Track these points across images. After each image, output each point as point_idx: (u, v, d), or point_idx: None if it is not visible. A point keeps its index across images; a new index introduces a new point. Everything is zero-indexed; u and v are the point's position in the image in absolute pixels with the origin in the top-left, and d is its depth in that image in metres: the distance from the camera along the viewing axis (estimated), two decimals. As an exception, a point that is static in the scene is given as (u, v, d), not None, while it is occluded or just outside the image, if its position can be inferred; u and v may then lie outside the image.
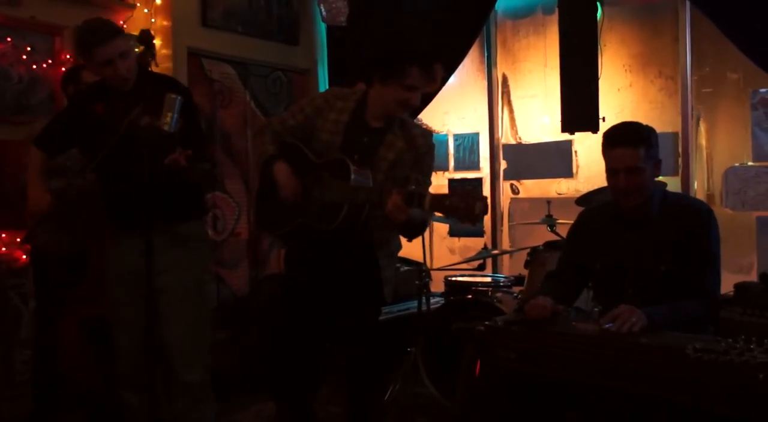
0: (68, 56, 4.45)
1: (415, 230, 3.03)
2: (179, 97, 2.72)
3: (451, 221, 5.90)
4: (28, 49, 4.31)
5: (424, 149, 3.13)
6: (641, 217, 2.90)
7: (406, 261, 5.20)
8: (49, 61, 4.40)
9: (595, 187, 4.51)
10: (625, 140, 2.82)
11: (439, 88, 5.42)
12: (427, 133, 3.23)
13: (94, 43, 2.98)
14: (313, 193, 3.05)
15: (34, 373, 3.92)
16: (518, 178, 5.93)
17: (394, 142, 3.08)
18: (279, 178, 3.12)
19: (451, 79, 5.72)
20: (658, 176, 2.92)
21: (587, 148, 5.45)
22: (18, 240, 4.13)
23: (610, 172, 2.86)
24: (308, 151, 3.12)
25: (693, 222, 2.85)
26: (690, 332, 2.54)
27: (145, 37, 3.66)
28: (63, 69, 4.41)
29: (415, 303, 4.70)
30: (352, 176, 2.90)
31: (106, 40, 2.99)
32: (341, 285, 3.15)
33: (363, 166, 2.97)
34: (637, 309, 2.54)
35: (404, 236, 3.15)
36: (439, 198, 2.59)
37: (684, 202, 3.06)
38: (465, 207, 2.51)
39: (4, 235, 4.15)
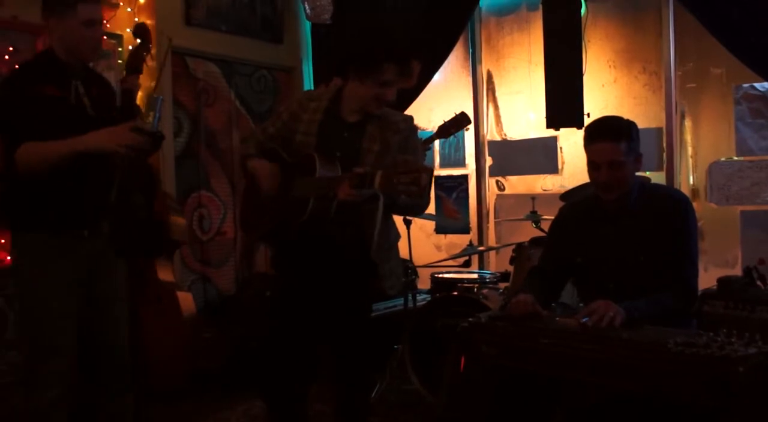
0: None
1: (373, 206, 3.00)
2: (161, 97, 2.72)
3: (435, 217, 5.94)
4: (11, 49, 4.28)
5: (408, 132, 3.14)
6: (621, 210, 2.91)
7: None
8: (32, 61, 4.37)
9: (581, 183, 4.52)
10: (606, 134, 2.83)
11: (423, 85, 5.47)
12: (408, 117, 3.22)
13: None
14: (288, 192, 3.05)
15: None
16: (504, 175, 5.94)
17: (376, 132, 3.08)
18: (257, 171, 3.15)
19: (436, 76, 5.74)
20: (638, 170, 2.93)
21: (572, 144, 5.46)
22: (2, 241, 4.11)
23: (592, 165, 2.87)
24: (284, 154, 3.13)
25: (670, 211, 2.86)
26: (673, 326, 2.55)
27: (142, 31, 3.47)
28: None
29: (401, 301, 4.71)
30: (318, 170, 2.91)
31: None
32: (331, 283, 3.14)
33: (331, 160, 2.97)
34: (613, 303, 2.54)
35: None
36: (387, 177, 2.60)
37: (662, 192, 3.08)
38: (411, 181, 2.52)
39: (-13, 237, 4.12)
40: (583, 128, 2.99)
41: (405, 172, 2.55)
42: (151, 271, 4.45)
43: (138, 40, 3.30)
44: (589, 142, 2.88)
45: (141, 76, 3.33)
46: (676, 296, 2.76)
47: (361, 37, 3.31)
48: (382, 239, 3.12)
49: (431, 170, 2.57)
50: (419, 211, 3.29)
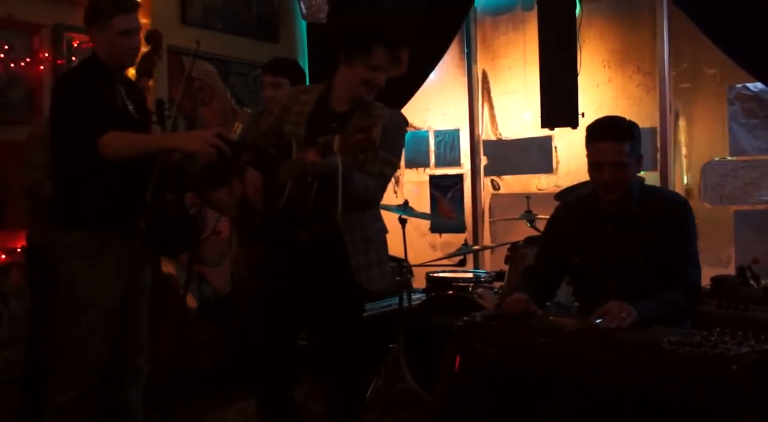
0: (47, 55, 4.43)
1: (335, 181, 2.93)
2: (250, 111, 2.82)
3: (430, 216, 5.95)
4: (6, 47, 4.29)
5: (391, 128, 3.10)
6: (619, 211, 2.90)
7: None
8: (27, 60, 4.37)
9: (575, 183, 4.53)
10: (610, 134, 2.81)
11: (419, 85, 5.47)
12: (395, 113, 3.18)
13: (118, 10, 2.92)
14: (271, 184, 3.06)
15: (24, 372, 3.87)
16: (499, 174, 5.95)
17: (360, 122, 3.06)
18: (245, 187, 3.17)
19: (432, 76, 5.76)
20: (639, 171, 2.91)
21: (567, 144, 5.48)
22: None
23: (594, 165, 2.84)
24: (270, 147, 3.13)
25: (670, 214, 2.86)
26: (668, 325, 2.56)
27: (153, 37, 3.60)
28: (41, 67, 4.39)
29: (396, 300, 4.71)
30: (295, 155, 2.91)
31: (130, 9, 2.96)
32: (312, 280, 3.13)
33: (307, 145, 2.92)
34: (626, 304, 2.54)
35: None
36: (343, 138, 2.63)
37: (661, 194, 3.08)
38: (366, 138, 2.54)
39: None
40: (582, 129, 2.96)
41: (358, 130, 2.59)
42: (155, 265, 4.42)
43: (149, 46, 3.41)
44: (591, 142, 2.85)
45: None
46: (684, 296, 2.77)
47: (352, 22, 3.31)
48: (367, 231, 3.10)
49: (383, 124, 2.58)
50: (378, 188, 3.16)
